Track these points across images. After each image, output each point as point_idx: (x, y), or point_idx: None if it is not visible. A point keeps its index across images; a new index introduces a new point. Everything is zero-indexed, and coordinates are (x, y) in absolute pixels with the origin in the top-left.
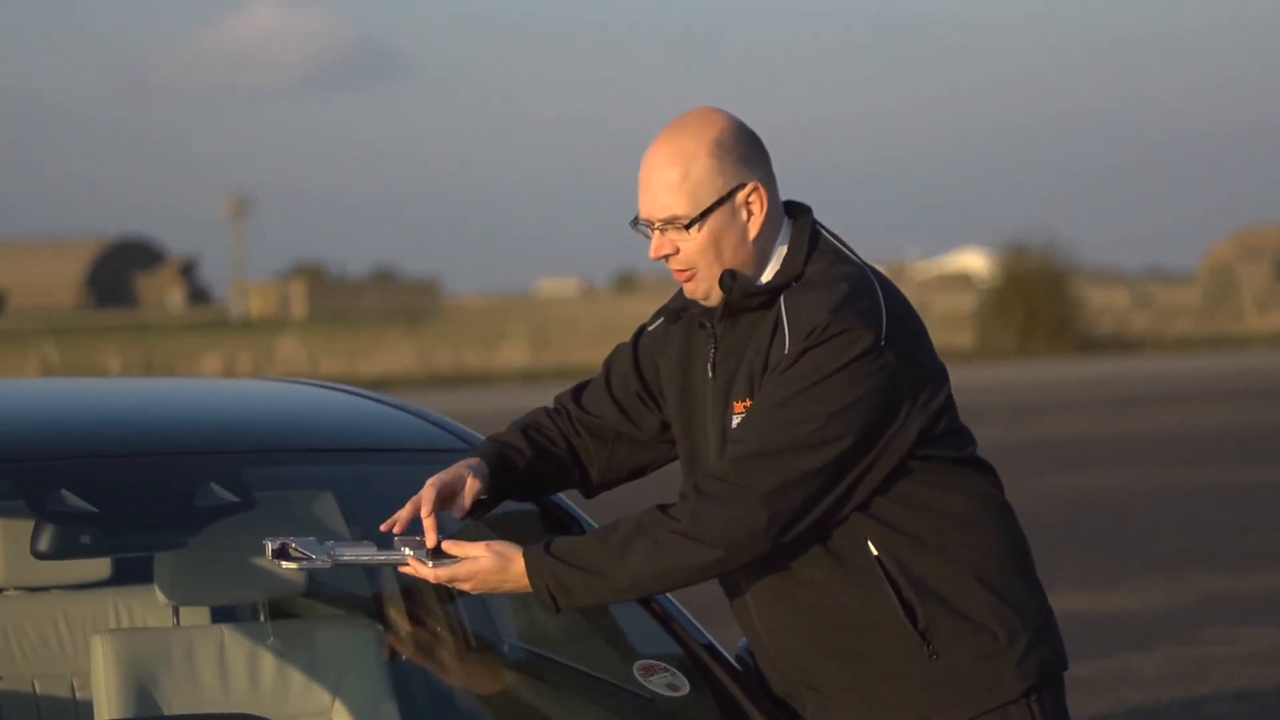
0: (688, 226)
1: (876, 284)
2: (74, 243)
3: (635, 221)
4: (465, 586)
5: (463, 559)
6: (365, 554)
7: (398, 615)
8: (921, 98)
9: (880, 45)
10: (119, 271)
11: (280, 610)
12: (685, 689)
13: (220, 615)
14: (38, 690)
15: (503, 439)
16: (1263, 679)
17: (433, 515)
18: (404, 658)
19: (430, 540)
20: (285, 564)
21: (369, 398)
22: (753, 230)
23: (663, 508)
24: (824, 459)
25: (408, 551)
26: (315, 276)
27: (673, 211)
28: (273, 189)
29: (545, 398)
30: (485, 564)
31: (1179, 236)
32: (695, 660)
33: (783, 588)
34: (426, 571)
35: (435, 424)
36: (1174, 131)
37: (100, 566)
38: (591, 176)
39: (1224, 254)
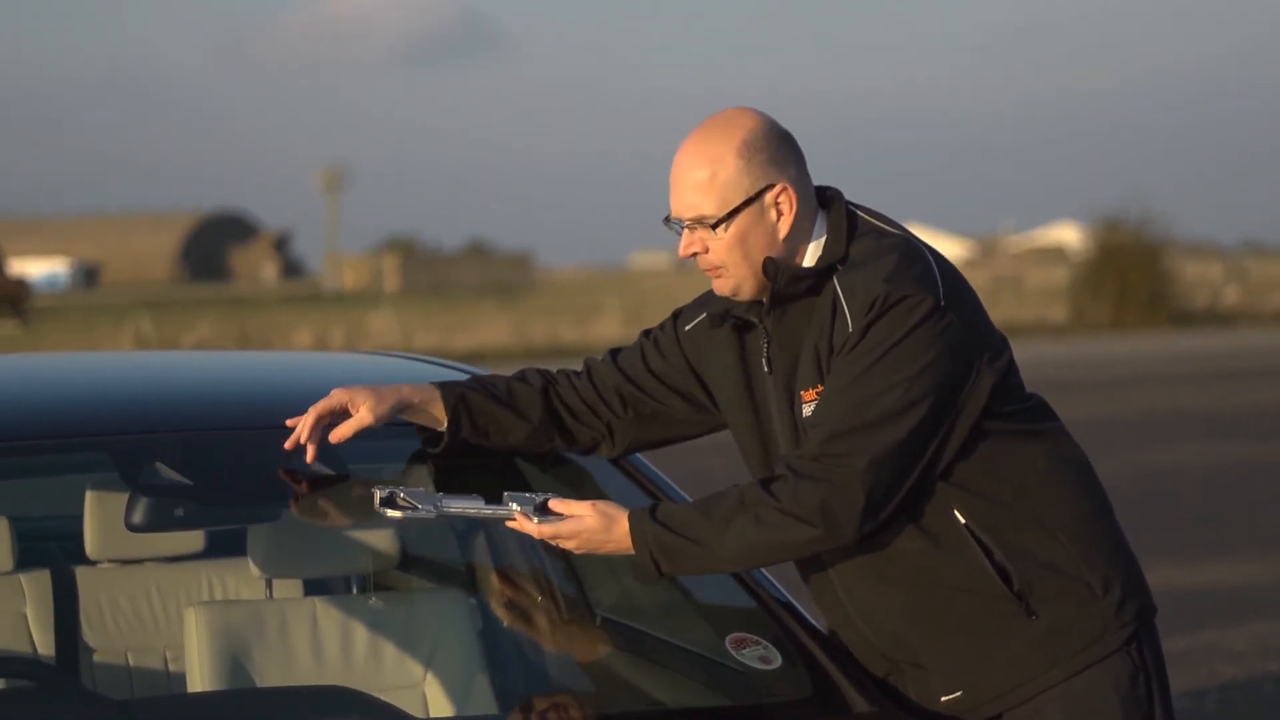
0: (714, 226)
1: (925, 250)
2: (169, 217)
3: (667, 220)
4: (568, 545)
5: (568, 517)
6: (472, 507)
7: (491, 587)
8: (1018, 68)
9: (974, 13)
10: (213, 245)
11: (373, 583)
12: (777, 662)
13: (313, 588)
14: (131, 662)
15: (478, 380)
16: None
17: (316, 423)
18: (497, 629)
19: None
20: (390, 512)
21: (462, 371)
22: (783, 230)
23: (764, 484)
24: (908, 427)
25: (515, 507)
26: (409, 250)
27: (700, 211)
28: (368, 162)
29: None
30: (590, 523)
31: (1277, 211)
32: (787, 633)
33: (873, 565)
34: (531, 527)
35: None
36: (1275, 106)
37: (194, 539)
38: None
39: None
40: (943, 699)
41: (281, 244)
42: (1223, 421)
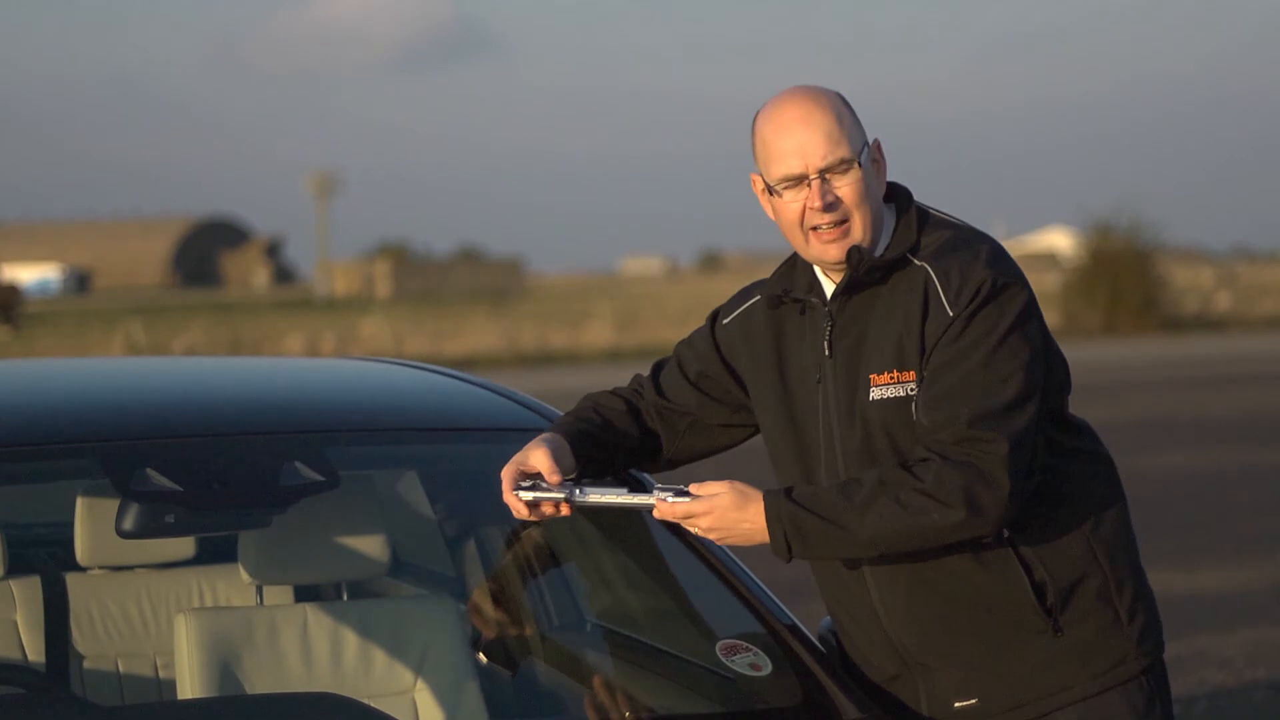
0: (847, 170)
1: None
2: (161, 222)
3: (770, 189)
4: (702, 524)
5: (688, 496)
6: (609, 493)
7: (481, 595)
8: (1009, 74)
9: (968, 18)
10: (205, 251)
11: (363, 590)
12: (767, 669)
13: (303, 594)
14: (121, 669)
15: (578, 415)
16: None
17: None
18: (487, 638)
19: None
20: (524, 493)
21: (453, 376)
22: (881, 185)
23: (905, 467)
24: (1032, 414)
25: (658, 493)
26: (400, 256)
27: (840, 154)
28: (359, 168)
29: (631, 376)
30: (725, 500)
31: (1267, 216)
32: (778, 640)
33: (912, 565)
34: (667, 508)
35: (520, 403)
36: (1265, 112)
37: (185, 545)
38: (676, 155)
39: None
40: (956, 704)
41: (273, 250)
42: (1213, 427)
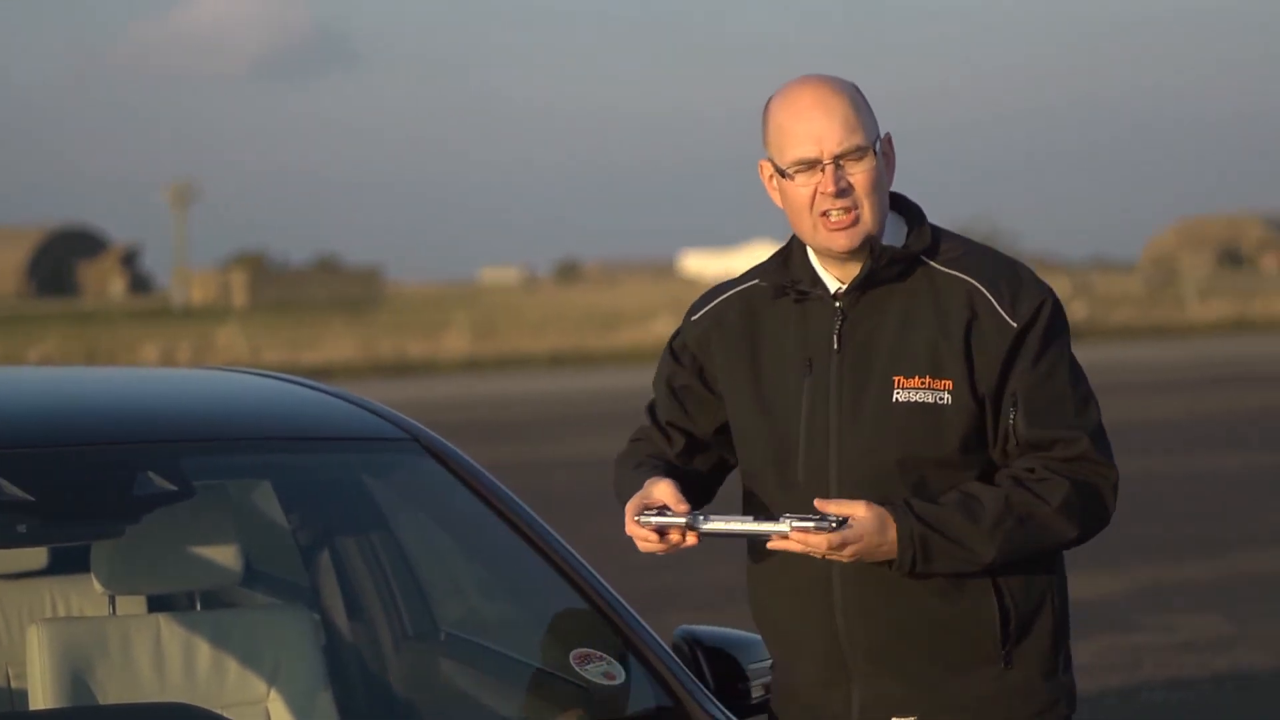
0: (861, 157)
1: None
2: (16, 231)
3: (781, 173)
4: (848, 552)
5: (849, 520)
6: (735, 521)
7: (334, 603)
8: (868, 83)
9: (845, 30)
10: (61, 260)
11: (217, 599)
12: (621, 678)
13: (157, 604)
14: None
15: (649, 460)
16: (1197, 668)
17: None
18: (341, 645)
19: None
20: (645, 517)
21: (308, 386)
22: (891, 177)
23: (1023, 484)
24: (1106, 437)
25: (785, 522)
26: (257, 265)
27: (855, 141)
28: (216, 177)
29: (488, 387)
30: (869, 525)
31: (1123, 227)
32: (632, 649)
33: (887, 576)
34: (818, 539)
35: (375, 413)
36: (1120, 123)
37: (37, 555)
38: (534, 164)
39: (1166, 244)
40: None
41: (130, 259)
42: None
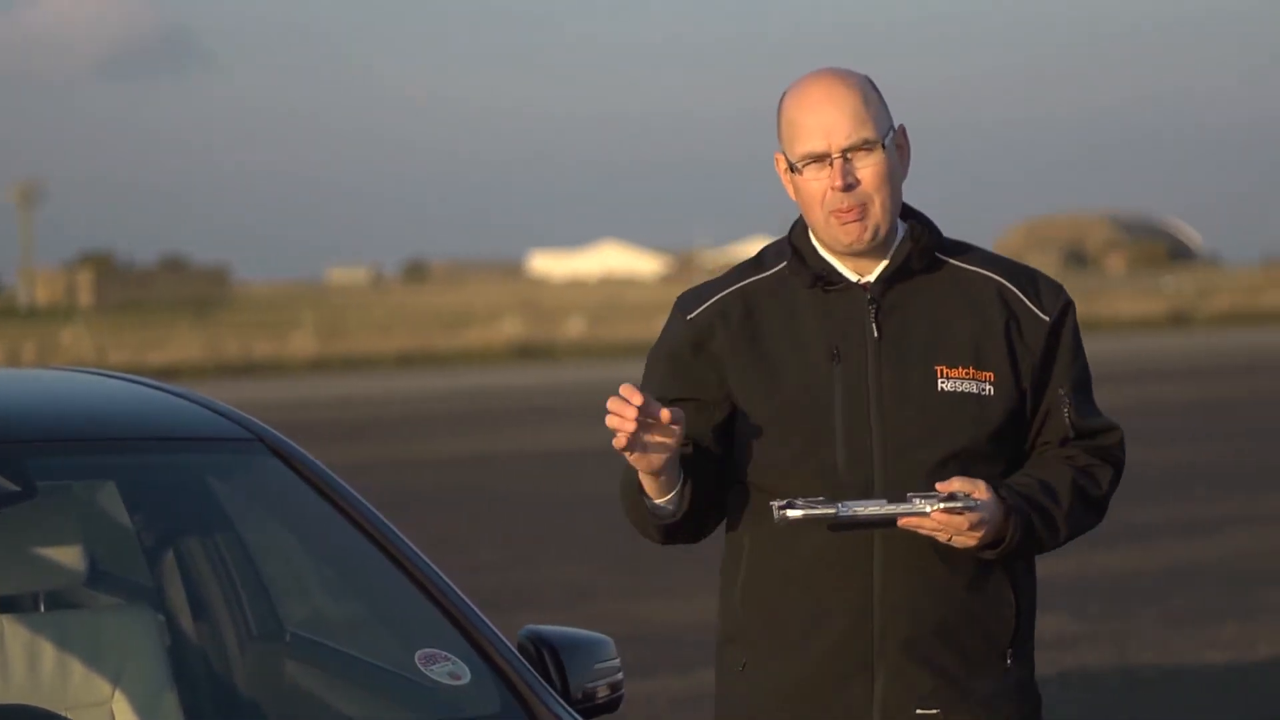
0: (870, 151)
1: None
2: None
3: (793, 167)
4: (979, 532)
5: (975, 502)
6: (873, 505)
7: (179, 604)
8: (716, 80)
9: (678, 37)
10: None
11: (60, 600)
12: (466, 678)
13: (0, 605)
14: None
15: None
16: (1045, 665)
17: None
18: (186, 646)
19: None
20: (791, 514)
21: (154, 387)
22: (905, 170)
23: (1078, 468)
24: None
25: (921, 503)
26: (104, 265)
27: (865, 134)
28: (63, 177)
29: (335, 387)
30: (992, 504)
31: (970, 226)
32: (477, 649)
33: (928, 566)
34: (959, 520)
35: (220, 413)
36: (967, 122)
37: None
38: (381, 164)
39: (1014, 243)
40: (918, 711)
41: None
42: None
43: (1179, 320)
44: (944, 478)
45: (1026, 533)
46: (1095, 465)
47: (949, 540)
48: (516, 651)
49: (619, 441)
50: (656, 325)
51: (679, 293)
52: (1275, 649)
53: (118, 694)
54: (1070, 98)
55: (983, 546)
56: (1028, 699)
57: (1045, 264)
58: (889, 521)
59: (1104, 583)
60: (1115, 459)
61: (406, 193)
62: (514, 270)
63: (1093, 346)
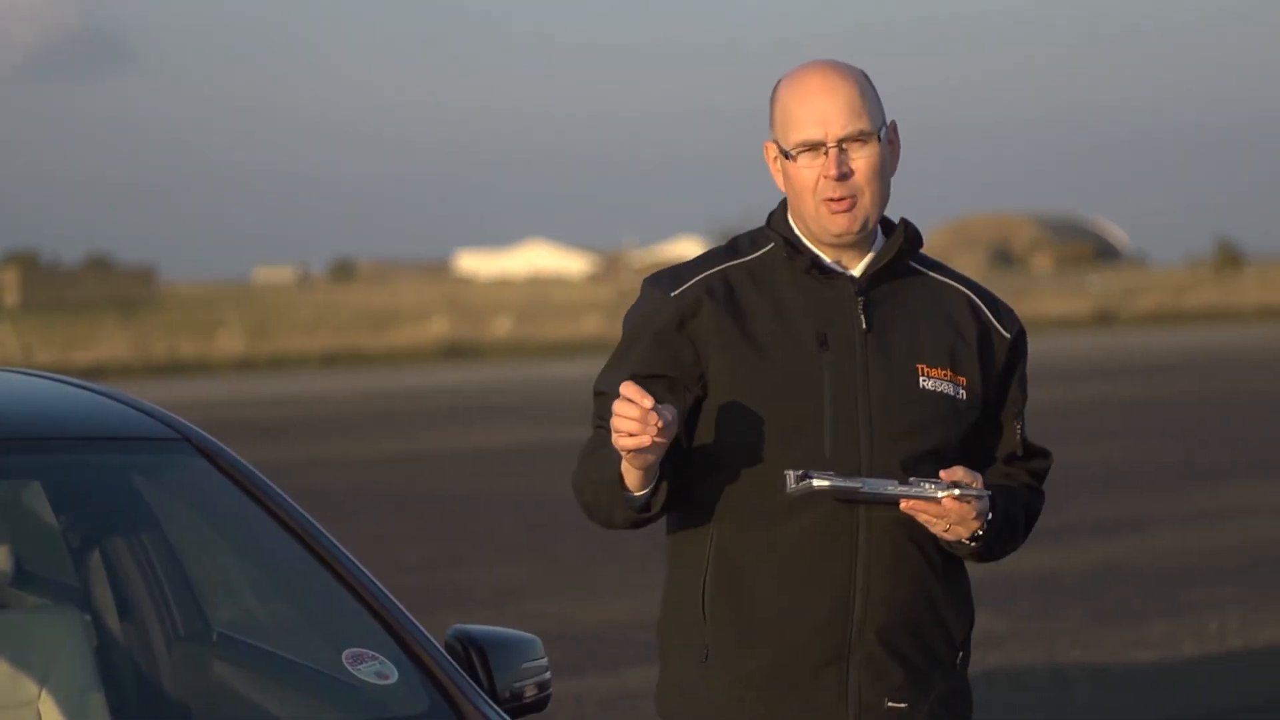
0: (866, 143)
1: None
2: None
3: (786, 154)
4: (972, 528)
5: (983, 492)
6: (891, 484)
7: (106, 604)
8: (638, 92)
9: (605, 38)
10: None
11: None
12: (394, 677)
13: None
14: None
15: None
16: (973, 662)
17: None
18: (113, 646)
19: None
20: (817, 483)
21: (79, 386)
22: (894, 166)
23: (1032, 490)
24: None
25: (929, 487)
26: (29, 264)
27: (860, 126)
28: None
29: (262, 387)
30: (986, 501)
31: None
32: (404, 648)
33: (910, 553)
34: (967, 508)
35: (146, 412)
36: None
37: None
38: (307, 163)
39: (939, 243)
40: (889, 704)
41: None
42: None
43: (1104, 319)
44: (922, 472)
45: (1001, 529)
46: (1033, 488)
47: (945, 530)
48: (444, 651)
49: (632, 443)
50: (584, 324)
51: (606, 291)
52: (1202, 647)
53: (44, 694)
54: (996, 100)
55: (969, 539)
56: (968, 699)
57: (971, 264)
58: (894, 501)
59: (1031, 581)
60: (1041, 487)
61: (333, 191)
62: (441, 269)
63: None
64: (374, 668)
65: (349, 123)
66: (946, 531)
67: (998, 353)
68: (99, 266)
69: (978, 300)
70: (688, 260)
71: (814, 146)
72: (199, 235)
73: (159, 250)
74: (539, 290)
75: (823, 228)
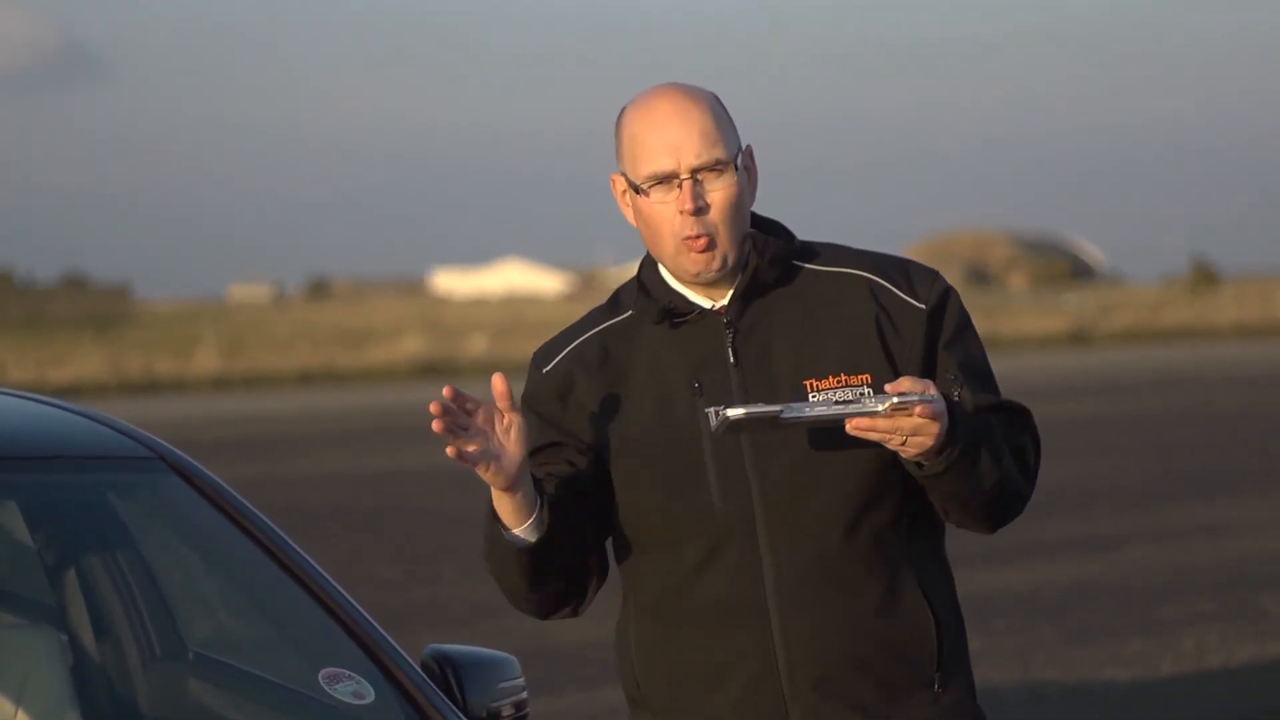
0: (722, 172)
1: None
2: None
3: (636, 189)
4: (930, 437)
5: (930, 396)
6: (821, 407)
7: (81, 623)
8: (610, 111)
9: (583, 55)
10: None
11: None
12: (370, 697)
13: None
14: None
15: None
16: None
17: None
18: (89, 665)
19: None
20: (733, 412)
21: (54, 405)
22: (753, 194)
23: (1008, 424)
24: None
25: (875, 402)
26: (3, 283)
27: (715, 154)
28: None
29: (238, 406)
30: (943, 405)
31: (871, 244)
32: (381, 668)
33: (830, 594)
34: (917, 419)
35: (121, 431)
36: (870, 140)
37: None
38: (284, 181)
39: (916, 259)
40: None
41: None
42: None
43: (1080, 338)
44: (831, 493)
45: (968, 449)
46: (1010, 423)
47: (902, 444)
48: (420, 670)
49: (446, 442)
50: None
51: (581, 309)
52: (1179, 665)
53: (20, 714)
54: (972, 116)
55: (934, 453)
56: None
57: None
58: (836, 422)
59: (1007, 599)
60: (1031, 431)
61: (309, 210)
62: (417, 288)
63: (994, 364)
64: (350, 687)
65: (326, 140)
66: (905, 447)
67: (909, 330)
68: (74, 284)
69: (877, 279)
70: (568, 327)
71: (666, 179)
72: (174, 253)
73: (134, 268)
74: (514, 308)
75: (681, 267)
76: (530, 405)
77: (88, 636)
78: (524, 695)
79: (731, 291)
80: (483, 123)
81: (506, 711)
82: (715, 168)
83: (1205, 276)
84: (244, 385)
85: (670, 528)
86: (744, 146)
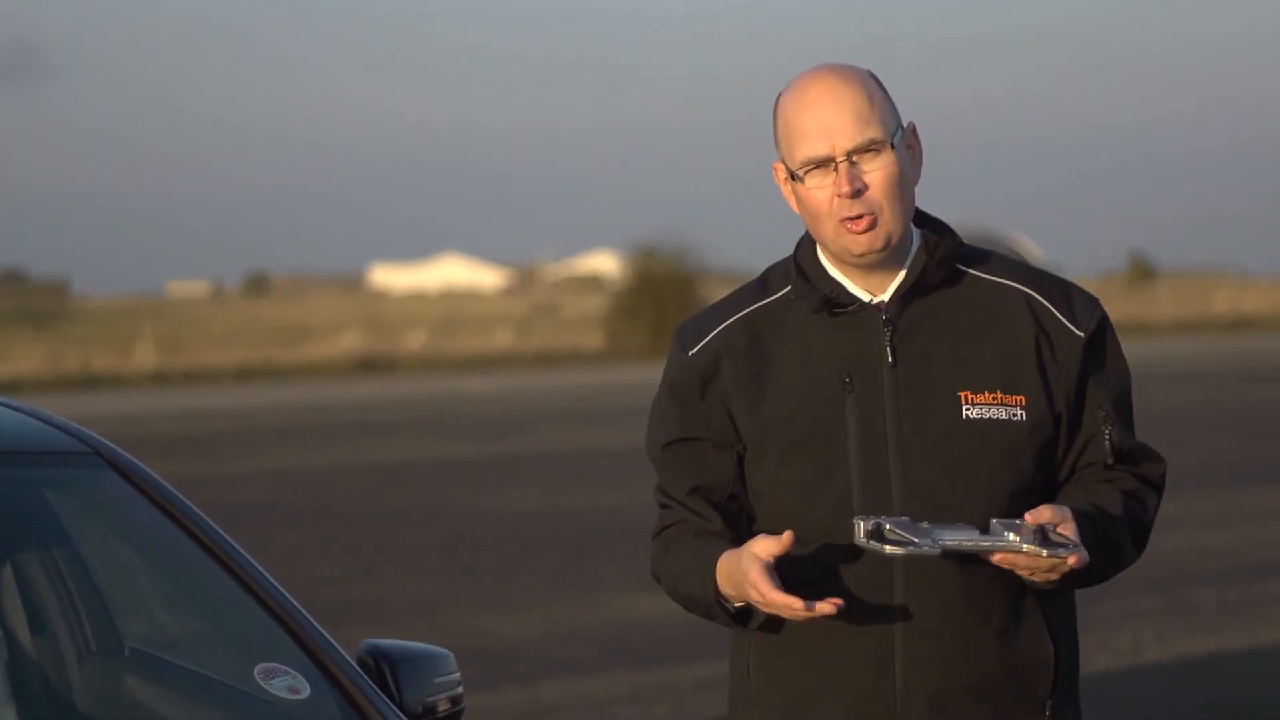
0: (878, 153)
1: None
2: None
3: (793, 175)
4: (1057, 575)
5: (1076, 543)
6: (968, 539)
7: (17, 619)
8: (553, 104)
9: (526, 47)
10: None
11: None
12: (306, 692)
13: None
14: None
15: (715, 540)
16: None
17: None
18: (24, 661)
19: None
20: (889, 549)
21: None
22: (917, 173)
23: (1125, 494)
24: None
25: (1014, 538)
26: None
27: (870, 134)
28: None
29: (176, 401)
30: (1085, 554)
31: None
32: (316, 663)
33: (957, 612)
34: (1045, 561)
35: (57, 426)
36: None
37: None
38: (221, 176)
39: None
40: None
41: None
42: None
43: None
44: (972, 510)
45: (1098, 566)
46: (1141, 490)
47: (1030, 575)
48: (356, 665)
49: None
50: (498, 338)
51: (520, 305)
52: (1116, 660)
53: None
54: (911, 110)
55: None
56: None
57: None
58: (1001, 550)
59: None
60: (1158, 488)
61: (247, 205)
62: (355, 283)
63: None
64: (286, 682)
65: (262, 135)
66: (1033, 577)
67: (1066, 356)
68: (12, 280)
69: (1039, 297)
70: (716, 304)
71: (822, 163)
72: (112, 249)
73: (72, 264)
74: (453, 304)
75: (843, 249)
76: (673, 394)
77: (23, 632)
78: (460, 690)
79: (894, 288)
80: (420, 116)
81: (442, 706)
82: (871, 148)
83: (1143, 272)
84: (183, 381)
85: (805, 527)
86: (905, 124)
